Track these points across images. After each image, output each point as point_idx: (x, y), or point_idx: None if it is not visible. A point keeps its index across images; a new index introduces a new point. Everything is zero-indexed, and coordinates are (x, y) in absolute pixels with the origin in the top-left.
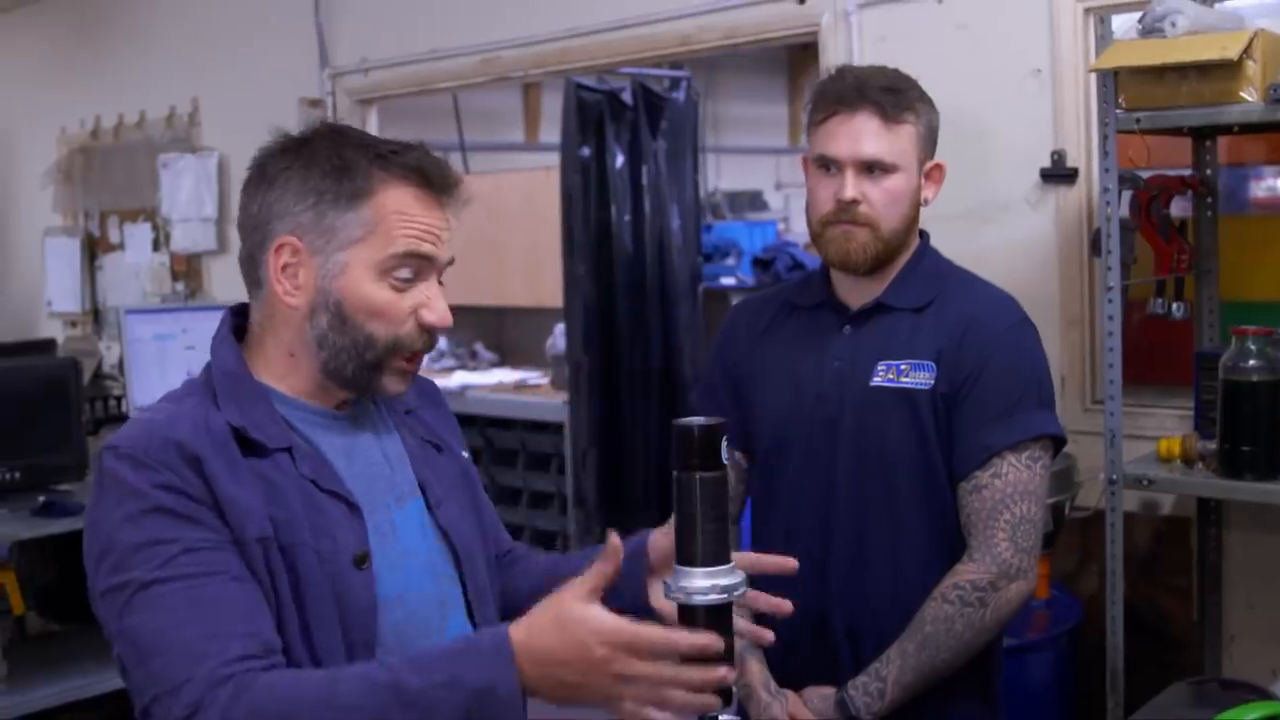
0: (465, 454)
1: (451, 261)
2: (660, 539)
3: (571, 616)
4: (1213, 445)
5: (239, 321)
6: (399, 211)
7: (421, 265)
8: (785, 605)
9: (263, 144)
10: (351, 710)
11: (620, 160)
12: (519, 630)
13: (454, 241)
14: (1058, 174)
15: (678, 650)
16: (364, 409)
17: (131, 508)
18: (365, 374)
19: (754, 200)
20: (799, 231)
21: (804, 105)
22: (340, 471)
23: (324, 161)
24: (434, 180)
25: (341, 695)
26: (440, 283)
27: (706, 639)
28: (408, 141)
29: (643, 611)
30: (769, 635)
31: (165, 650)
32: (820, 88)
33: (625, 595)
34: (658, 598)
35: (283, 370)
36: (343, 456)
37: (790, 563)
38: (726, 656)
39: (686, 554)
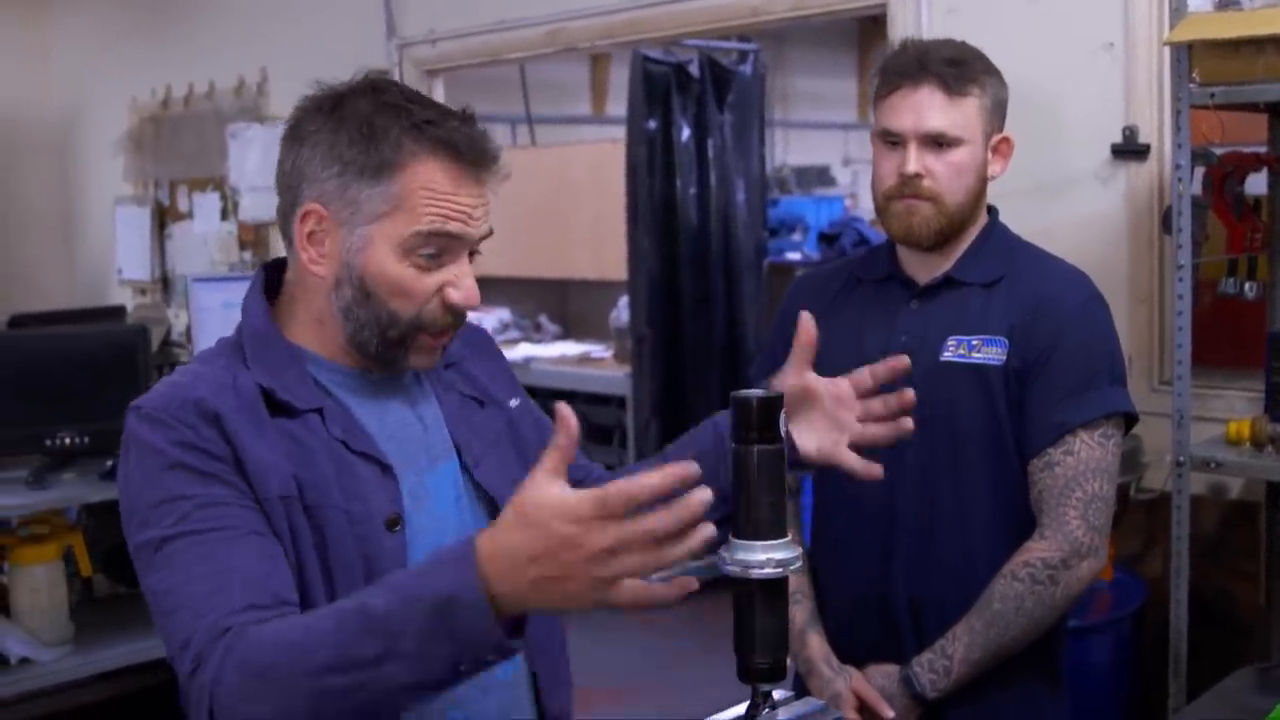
0: (514, 402)
1: (489, 234)
2: (785, 381)
3: (530, 503)
4: None
5: (275, 276)
6: (426, 187)
7: (448, 244)
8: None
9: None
10: (321, 648)
11: (686, 133)
12: (485, 534)
13: (516, 214)
14: (1129, 150)
15: (654, 491)
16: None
17: (151, 466)
18: (390, 350)
19: (821, 175)
20: (866, 207)
21: (869, 79)
22: (372, 433)
23: (353, 128)
24: (467, 154)
25: (315, 635)
26: (477, 252)
27: (681, 467)
28: (449, 108)
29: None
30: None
31: (176, 608)
32: (884, 62)
33: None
34: (803, 440)
35: (313, 335)
36: (375, 418)
37: (903, 361)
38: (780, 633)
39: (743, 527)
